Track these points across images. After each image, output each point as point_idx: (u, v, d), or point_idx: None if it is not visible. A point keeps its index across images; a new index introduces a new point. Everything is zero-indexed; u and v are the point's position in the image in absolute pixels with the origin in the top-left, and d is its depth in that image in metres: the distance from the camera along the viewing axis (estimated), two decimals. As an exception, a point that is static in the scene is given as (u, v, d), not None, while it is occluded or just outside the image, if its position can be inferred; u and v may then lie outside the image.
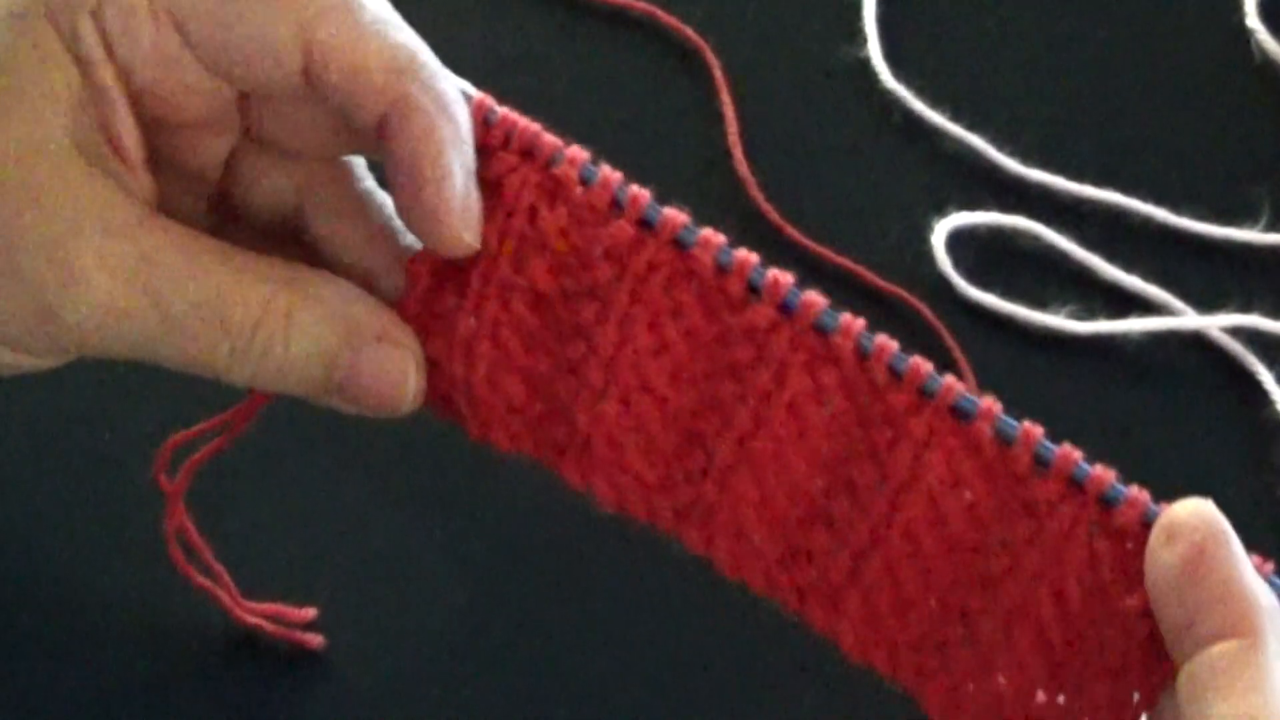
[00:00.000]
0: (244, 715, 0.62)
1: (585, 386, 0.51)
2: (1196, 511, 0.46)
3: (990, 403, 0.48)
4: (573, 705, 0.64)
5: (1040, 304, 0.75)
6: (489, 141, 0.50)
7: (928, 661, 0.50)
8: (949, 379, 0.48)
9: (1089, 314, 0.75)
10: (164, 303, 0.50)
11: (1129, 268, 0.76)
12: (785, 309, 0.49)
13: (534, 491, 0.68)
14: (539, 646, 0.65)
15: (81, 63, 0.50)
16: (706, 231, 0.49)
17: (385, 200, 0.55)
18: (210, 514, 0.60)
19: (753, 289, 0.49)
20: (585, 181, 0.50)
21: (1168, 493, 0.48)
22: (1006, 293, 0.75)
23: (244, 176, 0.56)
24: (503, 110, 0.51)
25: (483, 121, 0.50)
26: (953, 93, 0.81)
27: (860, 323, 0.49)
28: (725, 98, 0.80)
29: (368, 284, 0.54)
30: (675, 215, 0.50)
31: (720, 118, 0.79)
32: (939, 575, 0.49)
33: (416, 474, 0.68)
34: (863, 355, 0.48)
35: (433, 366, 0.53)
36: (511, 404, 0.52)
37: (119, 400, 0.68)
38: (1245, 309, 0.75)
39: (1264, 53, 0.84)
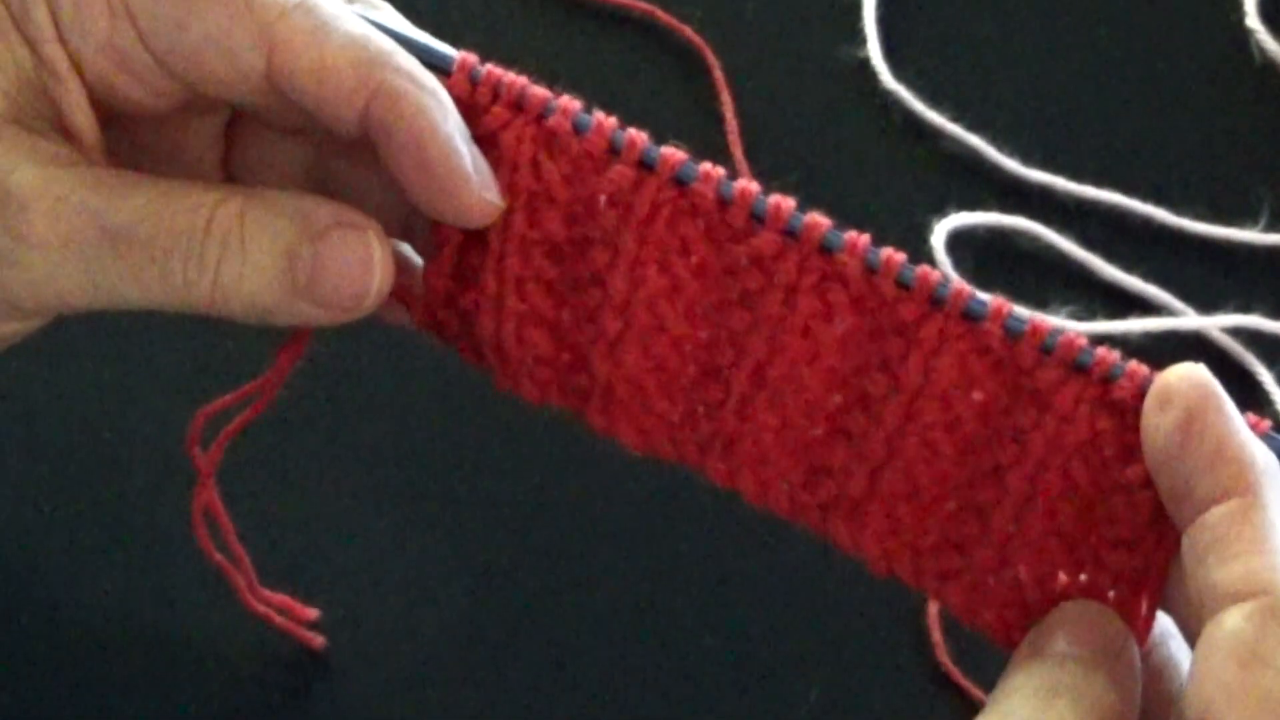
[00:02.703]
0: (245, 717, 0.62)
1: (602, 332, 0.51)
2: (1187, 376, 0.46)
3: (1000, 302, 0.49)
4: (573, 705, 0.64)
5: (1040, 304, 0.75)
6: (477, 98, 0.50)
7: (948, 563, 0.51)
8: (958, 283, 0.49)
9: (1089, 314, 0.75)
10: (107, 216, 0.48)
11: (1129, 268, 0.76)
12: (790, 234, 0.49)
13: (534, 492, 0.68)
14: (539, 647, 0.64)
15: (30, 42, 0.49)
16: (706, 166, 0.50)
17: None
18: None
19: (756, 218, 0.49)
20: (579, 130, 0.50)
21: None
22: (1006, 293, 0.74)
23: (248, 151, 0.55)
24: (487, 66, 0.51)
25: (468, 79, 0.50)
26: (953, 93, 0.81)
27: (865, 239, 0.49)
28: (725, 98, 0.80)
29: (404, 236, 0.54)
30: (674, 153, 0.50)
31: (720, 118, 0.79)
32: (954, 476, 0.50)
33: (417, 475, 0.68)
34: (870, 270, 0.49)
35: (467, 317, 0.53)
36: (539, 355, 0.52)
37: (118, 401, 0.68)
38: (1245, 309, 0.75)
39: (1264, 53, 0.84)
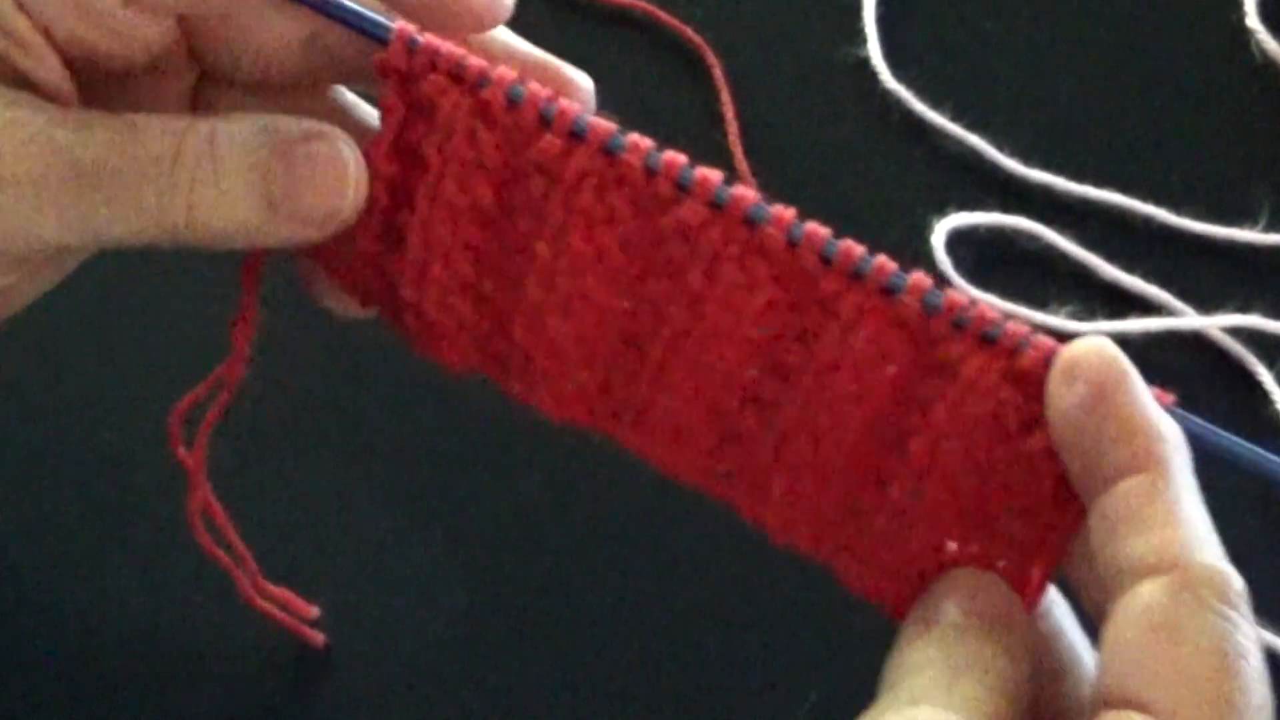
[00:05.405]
0: (246, 715, 0.62)
1: (525, 300, 0.51)
2: (1095, 349, 0.46)
3: (920, 276, 0.48)
4: (572, 705, 0.64)
5: (1040, 304, 0.75)
6: (415, 66, 0.51)
7: (845, 533, 0.51)
8: (880, 258, 0.48)
9: (1089, 314, 0.75)
10: (76, 151, 0.48)
11: (1129, 268, 0.76)
12: (715, 205, 0.49)
13: (534, 492, 0.68)
14: (539, 646, 0.65)
15: None
16: (634, 136, 0.50)
17: (370, 112, 0.54)
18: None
19: (682, 188, 0.49)
20: (513, 101, 0.50)
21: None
22: (1006, 293, 0.75)
23: (213, 114, 0.55)
24: (426, 37, 0.51)
25: (406, 48, 0.51)
26: (953, 93, 0.81)
27: (791, 213, 0.49)
28: (725, 98, 0.80)
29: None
30: (603, 124, 0.50)
31: (720, 118, 0.79)
32: (860, 447, 0.50)
33: (417, 474, 0.68)
34: (793, 244, 0.49)
35: (391, 281, 0.53)
36: (461, 320, 0.53)
37: (117, 400, 0.68)
38: (1245, 309, 0.75)
39: (1264, 53, 0.84)
